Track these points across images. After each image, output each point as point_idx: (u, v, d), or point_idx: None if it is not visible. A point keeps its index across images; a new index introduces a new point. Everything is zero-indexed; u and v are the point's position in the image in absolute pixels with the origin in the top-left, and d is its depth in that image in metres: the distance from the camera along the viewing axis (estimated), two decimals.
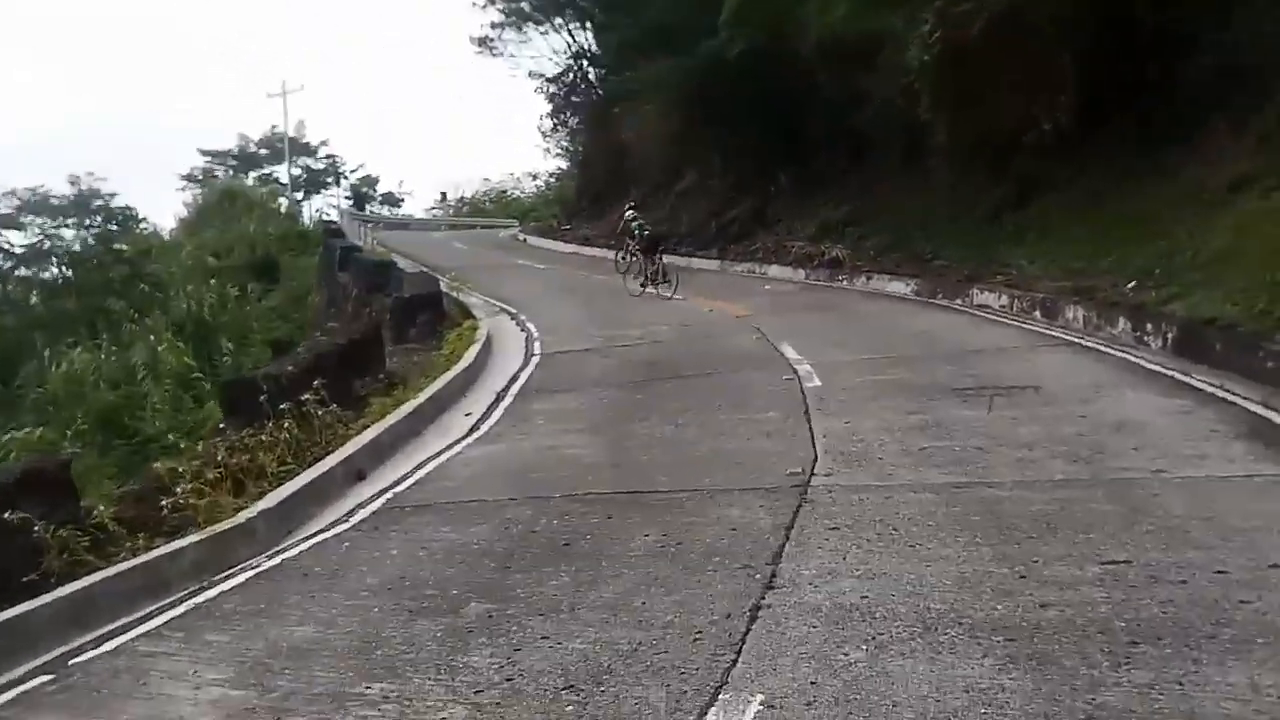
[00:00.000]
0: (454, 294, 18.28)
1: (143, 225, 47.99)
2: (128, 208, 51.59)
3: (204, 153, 59.67)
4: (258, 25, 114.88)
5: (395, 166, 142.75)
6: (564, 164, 51.73)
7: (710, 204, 27.74)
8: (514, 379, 11.20)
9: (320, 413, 8.49)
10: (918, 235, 19.10)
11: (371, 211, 69.59)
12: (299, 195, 63.50)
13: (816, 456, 6.62)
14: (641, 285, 18.69)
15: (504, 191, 68.23)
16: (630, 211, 21.56)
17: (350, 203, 59.65)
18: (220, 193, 44.58)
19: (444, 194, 69.32)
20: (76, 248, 37.08)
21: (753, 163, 26.04)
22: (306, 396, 8.49)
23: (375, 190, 77.33)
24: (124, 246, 30.07)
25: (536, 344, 13.37)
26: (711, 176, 28.64)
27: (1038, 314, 13.45)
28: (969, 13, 15.02)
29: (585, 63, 43.43)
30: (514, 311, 16.84)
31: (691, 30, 24.36)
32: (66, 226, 49.82)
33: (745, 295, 17.96)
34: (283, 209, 49.20)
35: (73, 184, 41.49)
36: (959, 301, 15.61)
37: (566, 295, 19.22)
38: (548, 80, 44.01)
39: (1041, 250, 15.23)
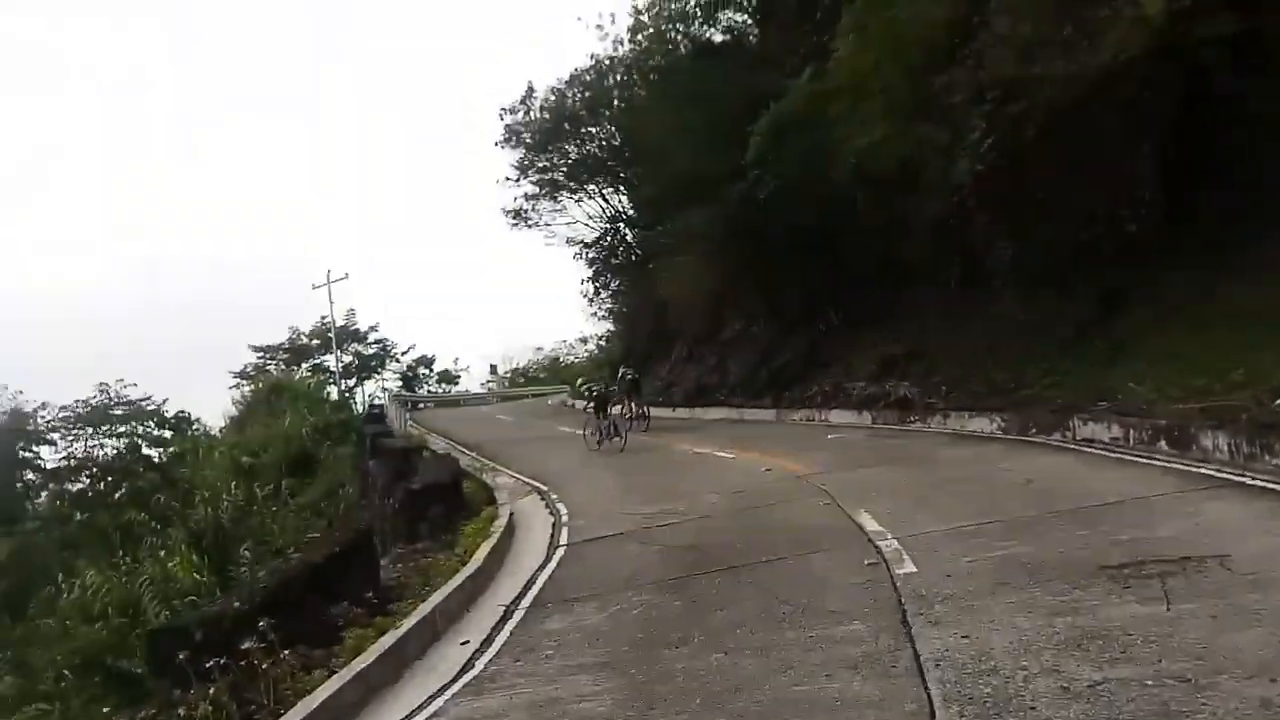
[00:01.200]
0: (481, 475, 16.49)
1: (195, 427, 47.98)
2: (181, 411, 52.02)
3: (254, 348, 60.42)
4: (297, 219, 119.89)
5: (449, 344, 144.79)
6: (609, 326, 50.94)
7: (758, 350, 25.99)
8: (529, 584, 9.10)
9: (265, 665, 6.51)
10: (990, 364, 16.96)
11: (428, 390, 69.84)
12: (350, 382, 63.80)
13: (934, 712, 4.38)
14: (598, 441, 20.14)
15: (556, 358, 68.10)
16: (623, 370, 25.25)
17: (400, 385, 59.49)
18: (268, 387, 44.26)
19: (493, 366, 69.19)
20: (106, 456, 36.54)
21: (799, 303, 24.39)
22: (248, 645, 6.54)
23: (431, 369, 77.79)
24: (152, 453, 29.33)
25: (564, 531, 11.33)
26: (756, 322, 27.03)
27: (1163, 444, 11.12)
28: (1024, 114, 13.43)
29: (621, 224, 43.23)
30: (545, 489, 14.88)
31: (720, 176, 23.31)
32: (118, 435, 50.30)
33: (806, 447, 15.83)
34: (330, 398, 48.80)
35: (102, 392, 41.49)
36: (1058, 436, 13.32)
37: (608, 464, 17.25)
38: (585, 245, 43.72)
39: (1148, 367, 12.99)
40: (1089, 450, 12.02)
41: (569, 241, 43.69)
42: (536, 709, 5.57)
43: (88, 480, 31.88)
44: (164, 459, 35.03)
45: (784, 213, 21.75)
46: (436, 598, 8.38)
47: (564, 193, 43.08)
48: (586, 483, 15.14)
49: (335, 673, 6.74)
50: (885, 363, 20.33)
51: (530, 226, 42.86)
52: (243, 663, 6.55)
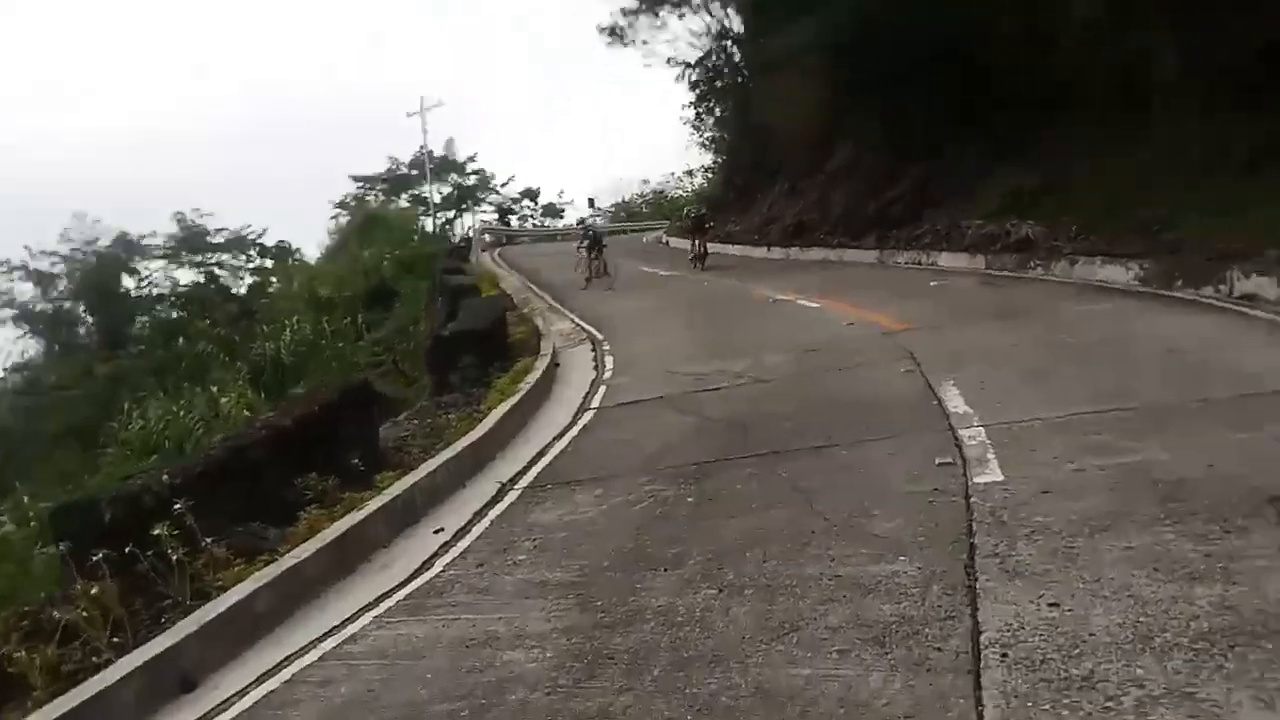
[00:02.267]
0: (536, 319, 15.17)
1: (294, 257, 48.44)
2: (282, 241, 52.62)
3: (355, 178, 60.08)
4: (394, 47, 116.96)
5: (555, 176, 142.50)
6: (711, 157, 48.02)
7: (867, 183, 23.28)
8: (539, 455, 7.78)
9: (177, 555, 5.40)
10: (1138, 202, 14.22)
11: (533, 224, 68.83)
12: (450, 213, 63.29)
13: None
14: (586, 279, 21.56)
15: (661, 192, 65.61)
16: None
17: (497, 218, 58.52)
18: (361, 218, 43.86)
19: (591, 200, 67.11)
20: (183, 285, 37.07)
21: (918, 129, 21.38)
22: (159, 530, 5.43)
23: (536, 202, 76.79)
24: (233, 284, 29.36)
25: (600, 391, 9.91)
26: (868, 150, 24.11)
27: None
28: None
29: (729, 43, 39.71)
30: (600, 338, 13.46)
31: None
32: (215, 264, 51.43)
33: (904, 296, 13.78)
34: (425, 229, 48.26)
35: (178, 221, 41.77)
36: (1211, 291, 10.91)
37: (679, 310, 15.61)
38: (689, 66, 40.42)
39: None
40: (1250, 312, 9.68)
41: (670, 62, 40.56)
42: (461, 650, 4.23)
43: (171, 308, 32.50)
44: (244, 290, 35.29)
45: (907, 20, 18.71)
46: (421, 471, 7.14)
47: (665, 7, 39.66)
48: (647, 332, 13.60)
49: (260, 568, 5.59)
50: (1013, 197, 17.66)
51: (626, 45, 39.76)
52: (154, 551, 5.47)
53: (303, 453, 7.23)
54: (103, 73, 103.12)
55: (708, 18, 39.41)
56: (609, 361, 11.62)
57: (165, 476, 6.07)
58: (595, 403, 9.41)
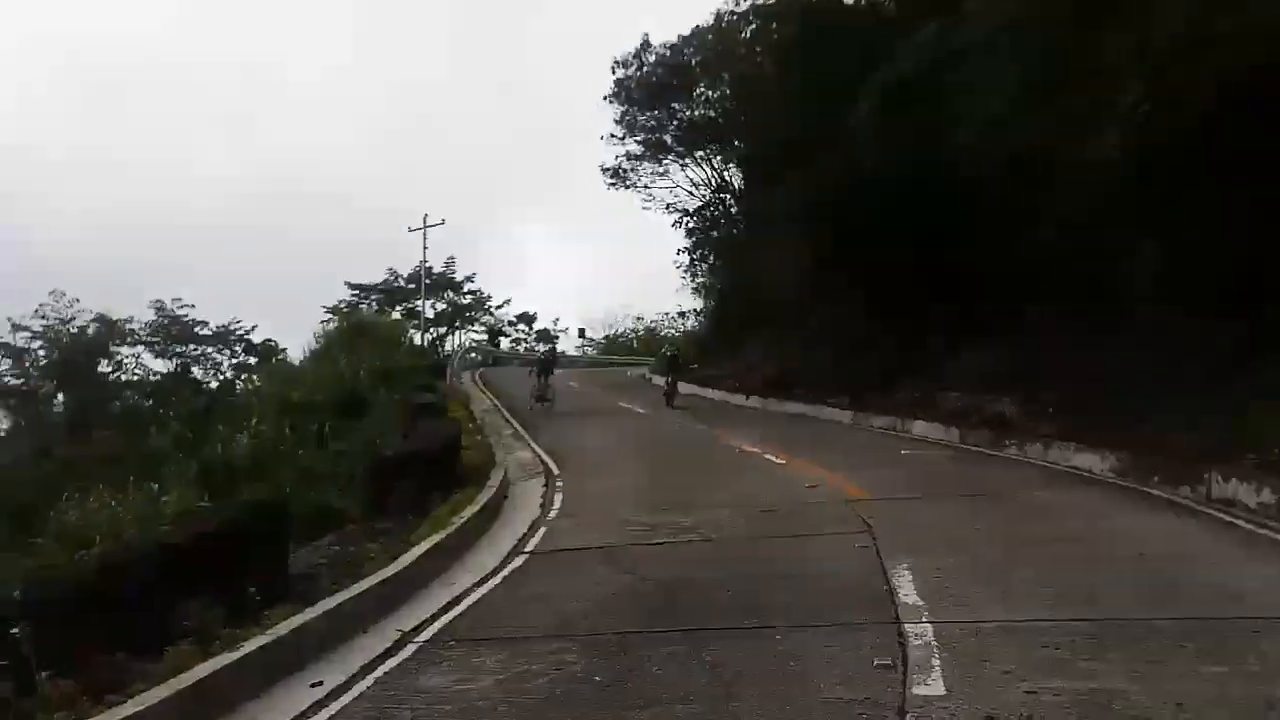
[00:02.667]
0: (496, 446, 14.66)
1: (281, 357, 48.02)
2: (269, 340, 52.38)
3: (351, 286, 60.49)
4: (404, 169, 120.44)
5: (550, 301, 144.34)
6: (700, 302, 48.56)
7: (846, 344, 23.21)
8: (455, 601, 7.10)
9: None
10: (1115, 392, 14.01)
11: (527, 347, 68.94)
12: (443, 330, 63.43)
13: None
14: (534, 398, 23.35)
15: (653, 329, 66.15)
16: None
17: (486, 338, 58.72)
18: (351, 325, 43.64)
19: (582, 330, 67.82)
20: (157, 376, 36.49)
21: (897, 296, 21.53)
22: None
23: (531, 326, 77.38)
24: (203, 378, 28.90)
25: (539, 533, 9.32)
26: (849, 314, 24.22)
27: None
28: (1193, 82, 10.48)
29: (727, 196, 40.77)
30: (557, 473, 12.93)
31: (822, 141, 20.69)
32: (203, 357, 50.97)
33: (870, 462, 13.34)
34: (413, 343, 48.08)
35: (157, 309, 41.48)
36: (1187, 491, 10.49)
37: (643, 451, 15.13)
38: (687, 214, 41.36)
39: None
40: (1227, 517, 9.23)
41: (669, 208, 41.54)
42: None
43: (144, 397, 31.78)
44: (217, 385, 34.70)
45: (889, 191, 19.04)
46: (319, 609, 6.45)
47: (670, 156, 40.87)
48: (606, 471, 13.07)
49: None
50: (988, 373, 17.50)
51: (628, 187, 40.87)
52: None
53: (196, 575, 6.57)
54: (108, 155, 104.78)
55: (709, 170, 40.66)
56: (558, 500, 11.05)
57: (17, 592, 5.39)
58: (531, 545, 8.79)
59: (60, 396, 40.86)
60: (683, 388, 32.60)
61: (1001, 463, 13.56)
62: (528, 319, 77.67)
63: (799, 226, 23.36)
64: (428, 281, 61.04)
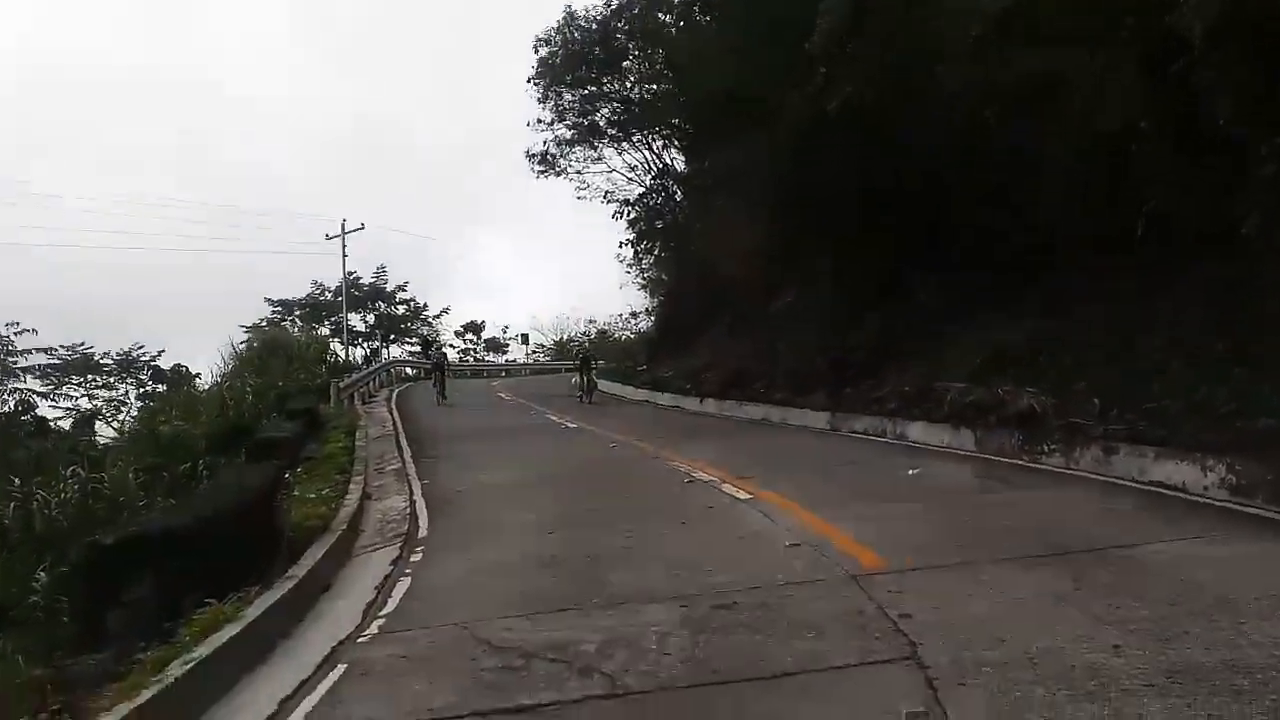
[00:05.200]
0: (366, 488, 10.65)
1: (189, 386, 43.24)
2: (179, 365, 47.51)
3: (272, 302, 55.85)
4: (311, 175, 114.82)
5: (503, 312, 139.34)
6: (648, 298, 44.71)
7: (816, 330, 19.45)
8: None
9: None
10: (1183, 371, 10.36)
11: (474, 359, 64.54)
12: (375, 343, 58.93)
13: None
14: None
15: (604, 332, 62.21)
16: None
17: (420, 350, 54.39)
18: (263, 344, 39.04)
19: (524, 336, 63.87)
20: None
21: (876, 268, 17.81)
22: None
23: (480, 336, 73.06)
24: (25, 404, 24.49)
25: (324, 684, 5.26)
26: (817, 292, 20.45)
27: None
28: None
29: (669, 181, 36.92)
30: (422, 536, 8.95)
31: (775, 84, 16.92)
32: (108, 386, 46.01)
33: (870, 491, 9.53)
34: (341, 360, 43.65)
35: (66, 347, 36.63)
36: None
37: (558, 489, 11.13)
38: (627, 204, 37.32)
39: None
40: None
41: (607, 197, 37.56)
42: None
43: None
44: (76, 423, 30.15)
45: (860, 138, 15.33)
46: None
47: (604, 140, 36.88)
48: (494, 529, 9.06)
49: None
50: (996, 355, 13.84)
51: (559, 174, 36.80)
52: None
53: None
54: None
55: (648, 154, 36.81)
56: (400, 591, 7.05)
57: None
58: (310, 703, 4.75)
59: None
60: (628, 392, 28.97)
61: (1051, 481, 9.75)
62: (476, 328, 73.68)
63: (755, 191, 19.59)
64: (356, 293, 56.76)
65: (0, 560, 11.48)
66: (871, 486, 9.89)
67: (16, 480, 15.72)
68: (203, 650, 5.40)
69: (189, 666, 5.15)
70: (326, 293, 56.78)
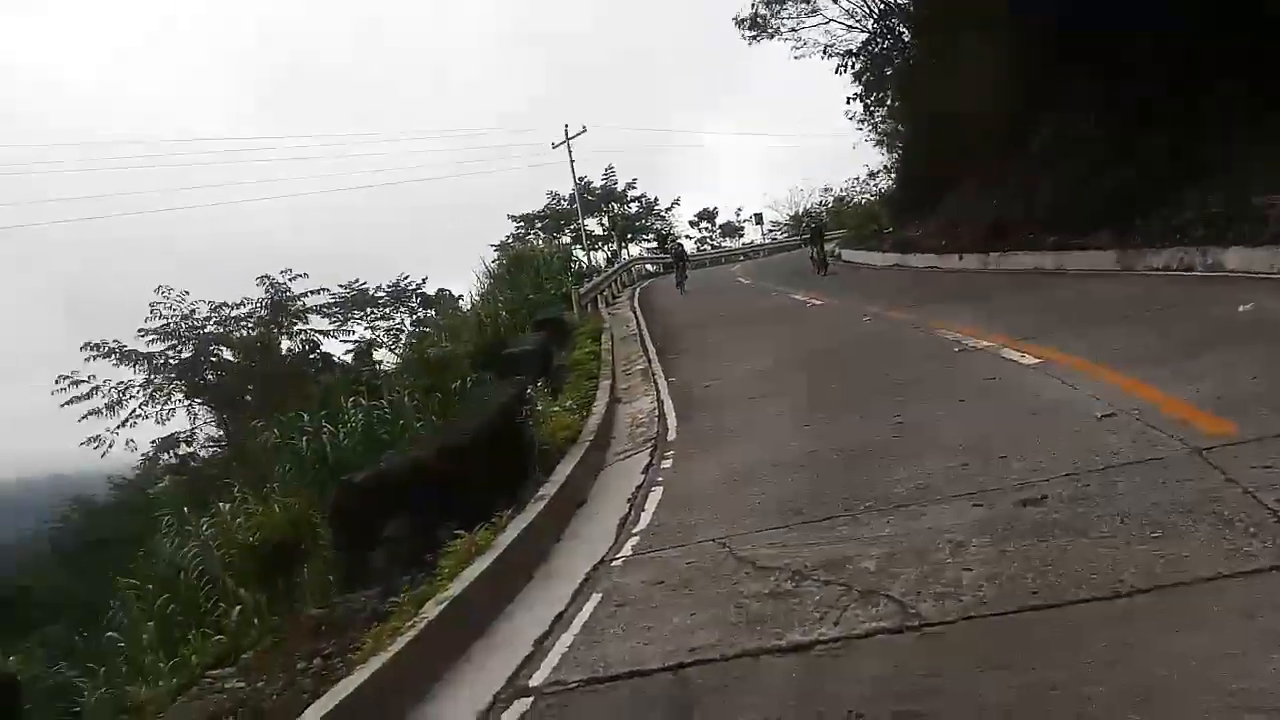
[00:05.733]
0: (609, 393, 10.40)
1: (454, 309, 45.95)
2: (441, 289, 50.53)
3: (513, 218, 57.95)
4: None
5: (729, 194, 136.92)
6: (884, 154, 41.72)
7: (1085, 162, 16.84)
8: None
9: None
10: None
11: (710, 247, 64.13)
12: (614, 245, 59.82)
13: None
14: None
15: (843, 199, 59.42)
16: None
17: (655, 245, 54.58)
18: (509, 260, 40.59)
19: (758, 216, 62.20)
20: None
21: (1157, 77, 14.97)
22: None
23: (714, 223, 72.49)
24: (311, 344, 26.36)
25: (583, 613, 4.87)
26: (1081, 120, 17.64)
27: None
28: None
29: (895, 22, 33.62)
30: (673, 435, 8.49)
31: None
32: (384, 317, 49.83)
33: (1194, 339, 7.85)
34: (583, 266, 44.58)
35: (265, 284, 39.36)
36: None
37: (812, 374, 10.20)
38: (850, 55, 34.50)
39: None
40: None
41: (827, 52, 34.83)
42: None
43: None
44: (357, 355, 32.55)
45: None
46: None
47: None
48: (746, 425, 8.38)
49: None
50: None
51: (772, 36, 34.50)
52: None
53: None
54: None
55: None
56: (653, 502, 6.57)
57: None
58: (542, 671, 4.34)
59: (250, 386, 40.39)
60: (875, 258, 27.23)
61: None
62: (708, 215, 72.97)
63: (1003, 28, 17.03)
64: (589, 197, 57.61)
65: (287, 498, 12.26)
66: (1192, 332, 8.19)
67: (305, 416, 17.11)
68: (455, 588, 5.15)
69: (442, 608, 4.90)
70: (562, 201, 58.06)
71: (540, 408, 9.71)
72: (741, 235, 70.19)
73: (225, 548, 11.59)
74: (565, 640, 4.57)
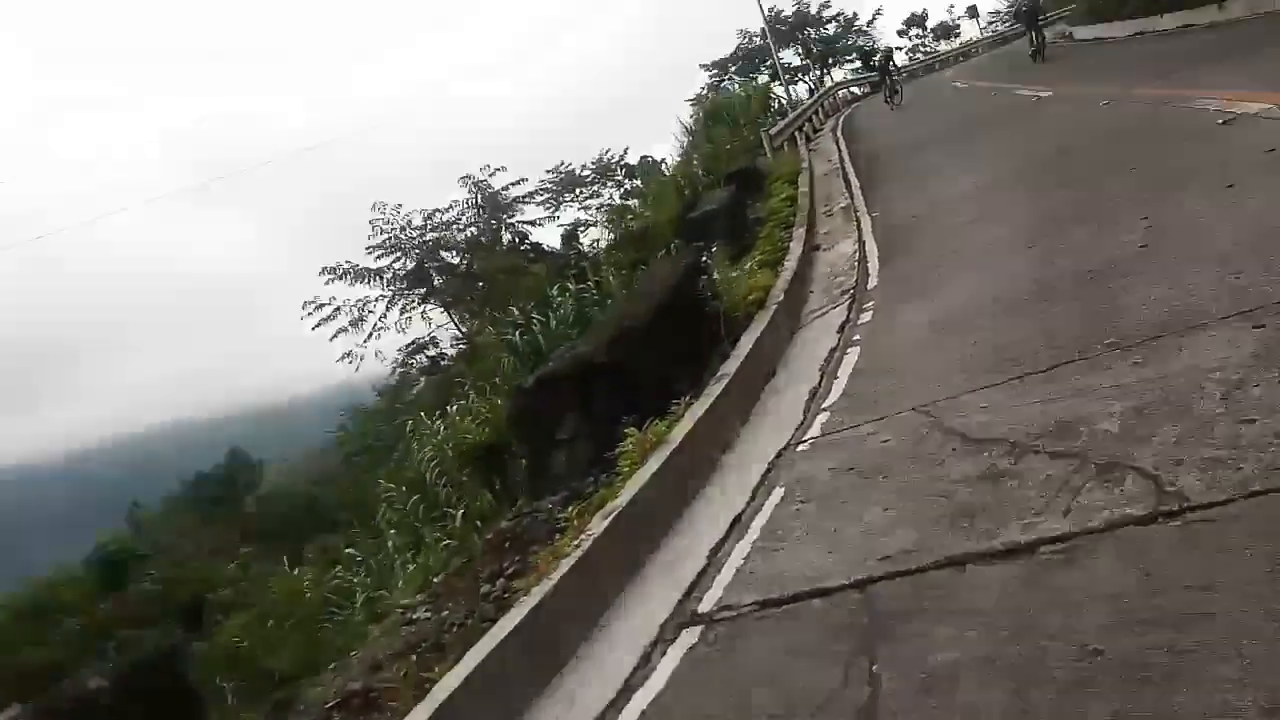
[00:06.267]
0: (798, 245, 9.48)
1: (659, 175, 45.17)
2: (644, 156, 49.87)
3: (705, 66, 55.56)
4: None
5: None
6: None
7: None
8: None
9: None
10: None
11: (922, 55, 58.77)
12: (817, 73, 56.18)
13: None
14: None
15: None
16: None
17: (860, 66, 50.38)
18: (705, 113, 39.03)
19: (972, 9, 55.74)
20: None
21: None
22: None
23: (925, 28, 66.37)
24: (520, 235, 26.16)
25: (762, 513, 4.23)
26: None
27: None
28: None
29: None
30: (873, 283, 7.49)
31: None
32: (594, 195, 50.03)
33: None
34: (781, 102, 42.21)
35: (471, 186, 39.36)
36: None
37: (1036, 188, 8.65)
38: None
39: None
40: None
41: None
42: None
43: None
44: (563, 239, 32.58)
45: None
46: None
47: None
48: (955, 257, 7.21)
49: None
50: None
51: None
52: None
53: None
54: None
55: None
56: (848, 366, 5.76)
57: None
58: (715, 593, 3.78)
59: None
60: (1114, 30, 23.39)
61: None
62: (918, 20, 66.64)
63: None
64: (781, 28, 54.15)
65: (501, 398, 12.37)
66: None
67: (515, 310, 17.31)
68: (625, 495, 4.68)
69: (607, 523, 4.44)
70: (754, 39, 54.81)
71: (721, 275, 8.96)
72: (958, 35, 63.77)
73: (455, 449, 12.00)
74: (742, 549, 4.00)
